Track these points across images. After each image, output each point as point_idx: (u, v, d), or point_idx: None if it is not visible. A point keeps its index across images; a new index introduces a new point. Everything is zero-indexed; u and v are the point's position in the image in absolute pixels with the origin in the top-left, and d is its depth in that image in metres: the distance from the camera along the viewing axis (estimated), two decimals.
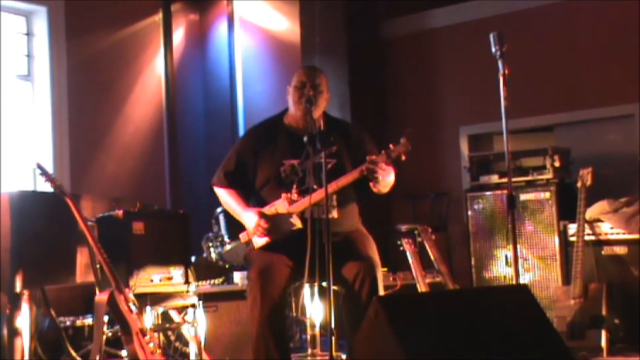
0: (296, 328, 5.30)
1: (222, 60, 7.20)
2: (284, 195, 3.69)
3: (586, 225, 5.21)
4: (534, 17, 6.40)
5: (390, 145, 3.62)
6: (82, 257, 4.46)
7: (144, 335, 3.90)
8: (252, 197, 3.86)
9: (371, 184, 3.65)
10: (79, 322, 4.67)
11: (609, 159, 5.98)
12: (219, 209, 4.87)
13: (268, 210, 3.71)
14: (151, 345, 3.91)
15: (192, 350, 4.57)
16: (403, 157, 3.61)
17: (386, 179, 3.69)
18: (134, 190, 6.16)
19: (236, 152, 3.92)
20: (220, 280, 5.13)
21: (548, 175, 5.62)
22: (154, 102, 6.69)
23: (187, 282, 4.67)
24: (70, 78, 6.02)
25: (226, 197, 3.90)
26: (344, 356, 4.05)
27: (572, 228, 5.31)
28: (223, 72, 7.18)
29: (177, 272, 4.64)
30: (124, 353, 4.00)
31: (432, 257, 4.96)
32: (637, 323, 4.92)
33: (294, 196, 3.68)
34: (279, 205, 3.69)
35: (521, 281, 5.21)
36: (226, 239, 4.88)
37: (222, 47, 7.20)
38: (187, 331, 4.63)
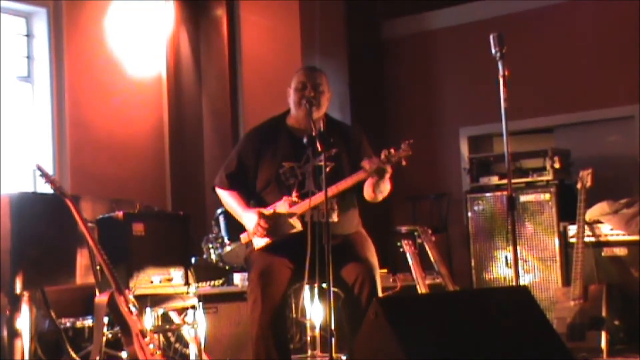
0: (296, 329, 5.30)
1: (222, 60, 7.19)
2: (284, 197, 3.69)
3: (586, 227, 5.21)
4: (534, 18, 6.40)
5: (392, 150, 3.61)
6: (82, 259, 4.46)
7: (144, 336, 3.90)
8: (253, 199, 3.86)
9: (368, 188, 3.62)
10: (79, 324, 4.67)
11: (609, 161, 5.98)
12: (219, 210, 4.87)
13: (268, 211, 3.70)
14: (151, 346, 3.91)
15: (192, 351, 4.57)
16: (404, 162, 3.59)
17: (387, 186, 3.68)
18: (134, 192, 6.15)
19: (237, 154, 3.91)
20: (220, 281, 5.12)
21: (548, 176, 5.63)
22: (155, 103, 6.69)
23: (187, 283, 4.67)
24: (70, 79, 6.01)
25: (227, 199, 3.90)
26: (344, 357, 4.05)
27: (572, 229, 5.31)
28: (223, 73, 7.17)
29: (177, 274, 4.64)
30: (124, 354, 4.00)
31: (432, 259, 4.96)
32: (637, 324, 4.92)
33: (295, 199, 3.67)
34: (280, 207, 3.69)
35: (521, 282, 5.21)
36: (226, 240, 4.87)
37: (222, 47, 7.19)
38: (187, 332, 4.63)
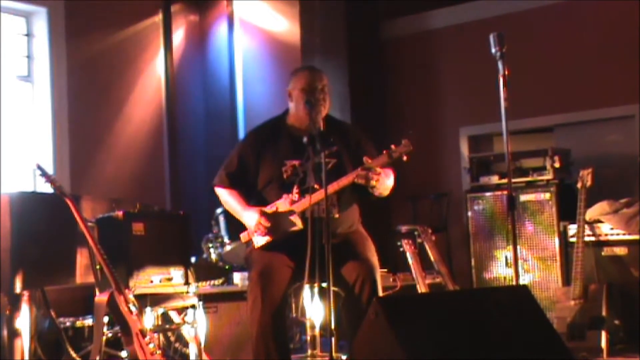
0: (296, 329, 5.30)
1: (222, 61, 7.20)
2: (285, 195, 3.69)
3: (586, 226, 5.20)
4: (534, 17, 6.40)
5: (392, 146, 3.62)
6: (82, 258, 4.46)
7: (144, 336, 3.90)
8: (254, 198, 3.86)
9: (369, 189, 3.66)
10: (79, 323, 4.67)
11: (609, 160, 5.98)
12: (218, 210, 4.87)
13: (269, 209, 3.71)
14: (151, 346, 3.91)
15: (192, 351, 4.56)
16: (405, 158, 3.60)
17: (386, 182, 3.69)
18: (134, 191, 6.16)
19: (238, 154, 3.92)
20: (220, 281, 5.12)
21: (548, 176, 5.63)
22: (154, 103, 6.69)
23: (187, 283, 4.67)
24: (70, 79, 6.02)
25: (227, 198, 3.91)
26: (343, 357, 4.05)
27: (572, 229, 5.30)
28: (223, 73, 7.18)
29: (177, 273, 4.63)
30: (124, 354, 3.99)
31: (432, 258, 4.96)
32: (637, 324, 4.92)
33: (295, 196, 3.68)
34: (280, 205, 3.69)
35: (521, 282, 5.21)
36: (226, 239, 4.87)
37: (222, 48, 7.20)
38: (187, 332, 4.63)
